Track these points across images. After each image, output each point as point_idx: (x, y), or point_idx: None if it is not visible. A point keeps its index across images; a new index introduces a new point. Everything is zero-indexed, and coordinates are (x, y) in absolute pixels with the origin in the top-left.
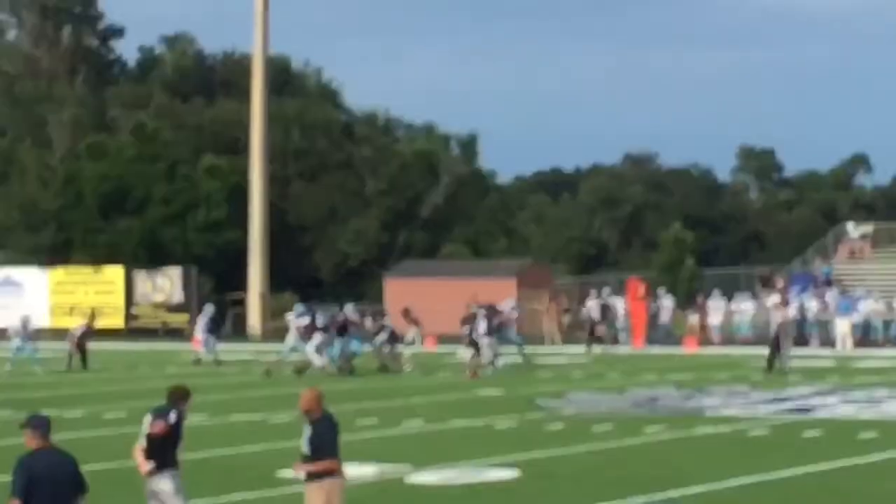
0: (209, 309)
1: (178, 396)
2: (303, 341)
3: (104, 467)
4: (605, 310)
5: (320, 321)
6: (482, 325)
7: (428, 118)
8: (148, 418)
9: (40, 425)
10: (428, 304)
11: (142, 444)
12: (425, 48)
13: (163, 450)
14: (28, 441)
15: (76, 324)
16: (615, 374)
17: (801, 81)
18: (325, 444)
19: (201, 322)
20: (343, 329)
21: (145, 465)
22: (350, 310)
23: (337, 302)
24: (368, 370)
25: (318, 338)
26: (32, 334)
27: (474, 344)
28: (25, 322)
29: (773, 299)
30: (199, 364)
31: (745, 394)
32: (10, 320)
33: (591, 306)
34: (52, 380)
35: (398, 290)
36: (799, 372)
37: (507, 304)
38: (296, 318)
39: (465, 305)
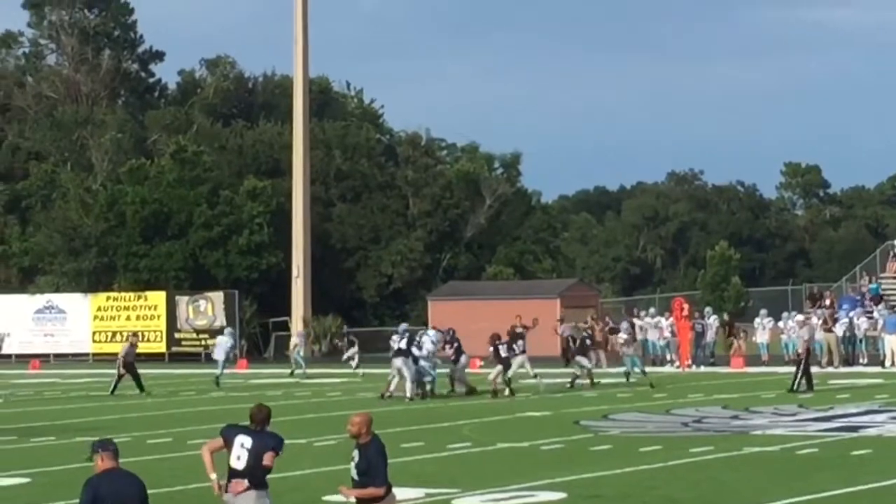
0: (230, 331)
1: (264, 417)
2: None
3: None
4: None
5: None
6: (518, 345)
7: (470, 138)
8: (247, 440)
9: (111, 447)
10: (472, 325)
11: (235, 462)
12: (467, 68)
13: (264, 472)
14: (99, 463)
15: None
16: (661, 394)
17: (847, 97)
18: (374, 469)
19: (226, 345)
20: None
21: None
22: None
23: (381, 325)
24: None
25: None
26: None
27: (503, 362)
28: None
29: (798, 317)
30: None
31: (792, 413)
32: (54, 347)
33: (565, 328)
34: (95, 405)
35: (442, 312)
36: (848, 390)
37: (622, 327)
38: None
39: (510, 326)
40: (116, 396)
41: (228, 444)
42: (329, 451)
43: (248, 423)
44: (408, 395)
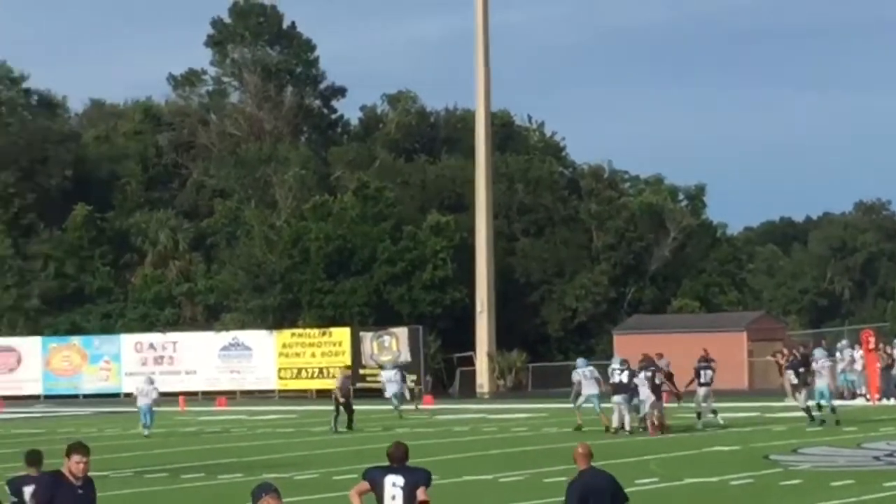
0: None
1: (402, 455)
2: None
3: None
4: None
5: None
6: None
7: (654, 170)
8: (397, 478)
9: (272, 487)
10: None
11: (390, 502)
12: (649, 99)
13: None
14: None
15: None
16: (852, 428)
17: None
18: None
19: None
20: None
21: None
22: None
23: (565, 359)
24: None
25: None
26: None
27: (657, 391)
28: (149, 384)
29: None
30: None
31: None
32: (240, 384)
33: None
34: (281, 442)
35: (627, 346)
36: None
37: (818, 354)
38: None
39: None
40: (304, 433)
41: (376, 486)
42: (514, 487)
43: (387, 463)
44: (626, 427)
